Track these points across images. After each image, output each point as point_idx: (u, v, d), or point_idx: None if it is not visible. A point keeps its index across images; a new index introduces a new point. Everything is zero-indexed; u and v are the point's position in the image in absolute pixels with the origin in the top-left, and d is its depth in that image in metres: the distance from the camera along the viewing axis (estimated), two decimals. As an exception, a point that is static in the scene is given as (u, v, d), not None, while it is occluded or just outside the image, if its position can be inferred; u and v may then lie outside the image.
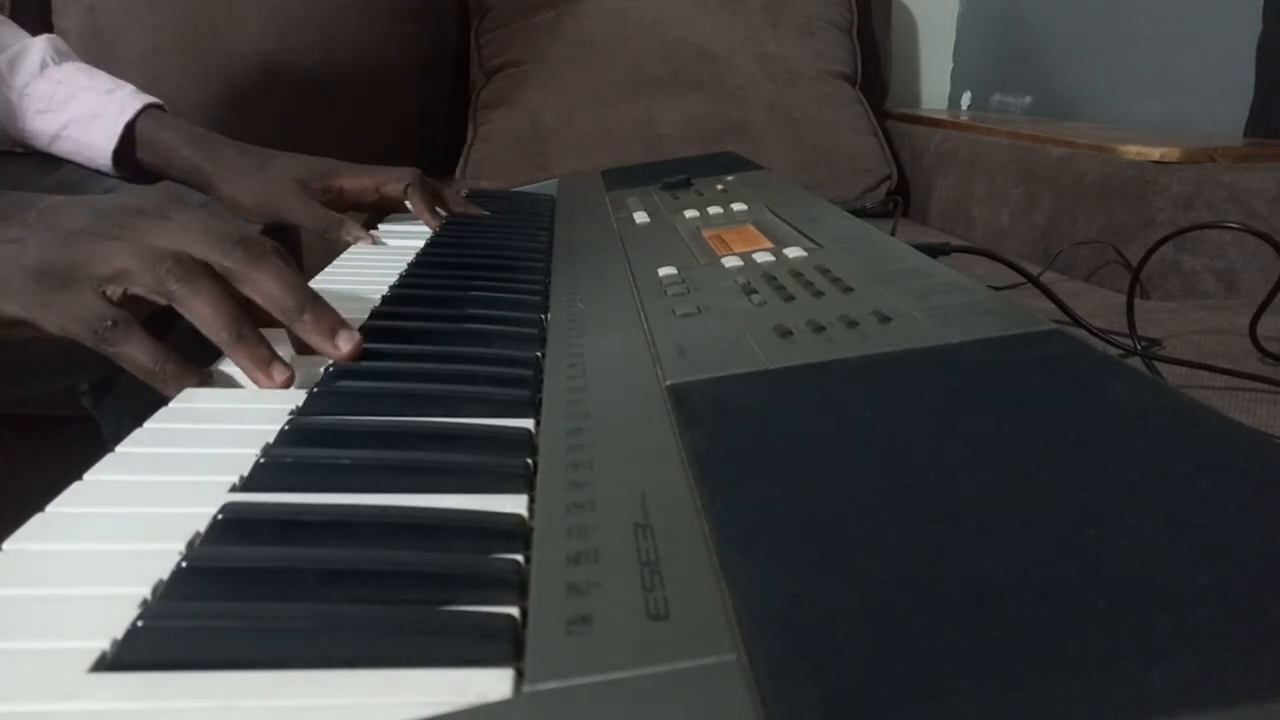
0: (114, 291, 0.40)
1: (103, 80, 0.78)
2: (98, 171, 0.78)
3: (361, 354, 0.41)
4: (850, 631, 0.20)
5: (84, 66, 0.80)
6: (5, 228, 0.42)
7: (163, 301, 0.40)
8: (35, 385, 0.77)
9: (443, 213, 0.79)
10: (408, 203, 0.78)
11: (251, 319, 0.41)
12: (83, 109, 0.76)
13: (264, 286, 0.41)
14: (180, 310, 0.40)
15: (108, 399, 0.84)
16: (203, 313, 0.40)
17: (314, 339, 0.41)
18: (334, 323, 0.41)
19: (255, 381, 0.40)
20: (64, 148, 0.78)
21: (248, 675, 0.22)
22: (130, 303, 0.41)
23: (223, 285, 0.41)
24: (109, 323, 0.39)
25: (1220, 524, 0.23)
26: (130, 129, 0.76)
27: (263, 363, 0.40)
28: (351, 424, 0.35)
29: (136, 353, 0.40)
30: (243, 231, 0.42)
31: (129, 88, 0.79)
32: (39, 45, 0.78)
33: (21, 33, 0.79)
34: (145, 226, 0.42)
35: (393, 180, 0.78)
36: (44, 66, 0.77)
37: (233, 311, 0.40)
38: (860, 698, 0.18)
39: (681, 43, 1.43)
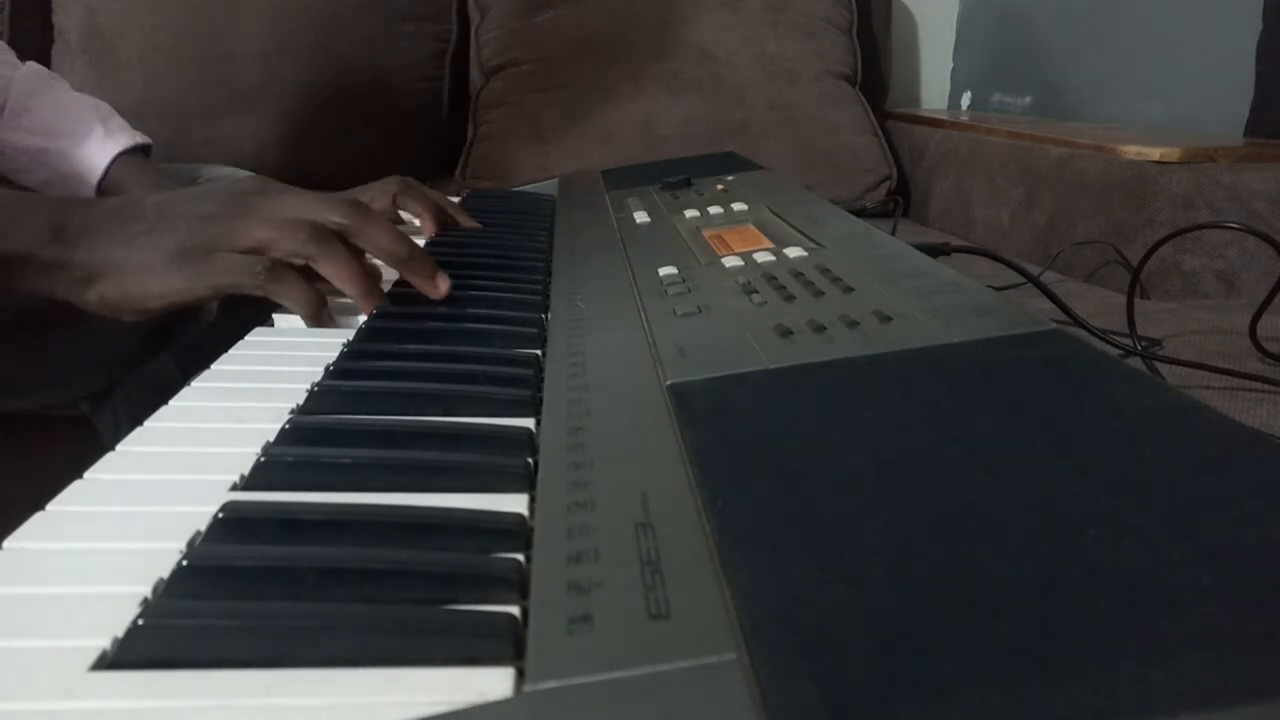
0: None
1: (66, 121, 0.77)
2: None
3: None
4: (851, 631, 0.20)
5: (54, 101, 0.78)
6: (129, 224, 0.47)
7: (300, 262, 0.47)
8: (36, 398, 0.77)
9: (444, 206, 0.75)
10: (401, 211, 0.74)
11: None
12: (55, 170, 0.77)
13: (376, 239, 0.49)
14: (317, 268, 0.47)
15: (105, 407, 0.84)
16: (339, 271, 0.48)
17: (417, 280, 0.50)
18: (434, 268, 0.51)
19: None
20: (55, 193, 0.78)
21: (248, 674, 0.22)
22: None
23: (350, 246, 0.48)
24: (267, 268, 0.46)
25: (1220, 524, 0.23)
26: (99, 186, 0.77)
27: (378, 297, 0.49)
28: (352, 423, 0.35)
29: (295, 292, 0.47)
30: (345, 197, 0.49)
31: (97, 132, 0.77)
32: (14, 90, 0.78)
33: (9, 54, 0.79)
34: (264, 204, 0.48)
35: (378, 195, 0.74)
36: (14, 115, 0.77)
37: (361, 268, 0.48)
38: (861, 697, 0.18)
39: (681, 43, 1.43)
